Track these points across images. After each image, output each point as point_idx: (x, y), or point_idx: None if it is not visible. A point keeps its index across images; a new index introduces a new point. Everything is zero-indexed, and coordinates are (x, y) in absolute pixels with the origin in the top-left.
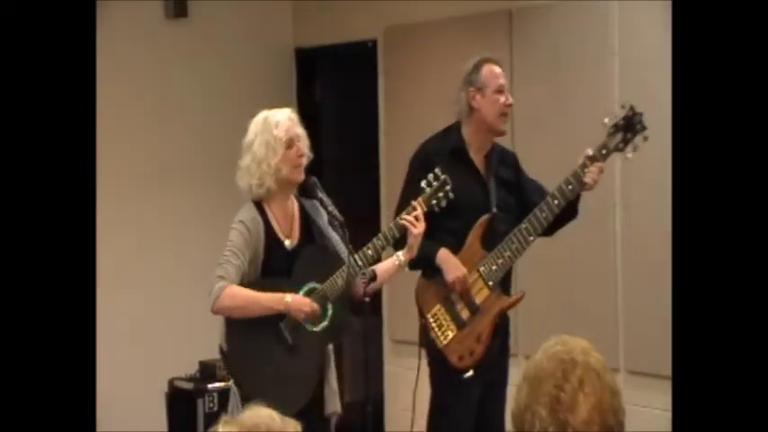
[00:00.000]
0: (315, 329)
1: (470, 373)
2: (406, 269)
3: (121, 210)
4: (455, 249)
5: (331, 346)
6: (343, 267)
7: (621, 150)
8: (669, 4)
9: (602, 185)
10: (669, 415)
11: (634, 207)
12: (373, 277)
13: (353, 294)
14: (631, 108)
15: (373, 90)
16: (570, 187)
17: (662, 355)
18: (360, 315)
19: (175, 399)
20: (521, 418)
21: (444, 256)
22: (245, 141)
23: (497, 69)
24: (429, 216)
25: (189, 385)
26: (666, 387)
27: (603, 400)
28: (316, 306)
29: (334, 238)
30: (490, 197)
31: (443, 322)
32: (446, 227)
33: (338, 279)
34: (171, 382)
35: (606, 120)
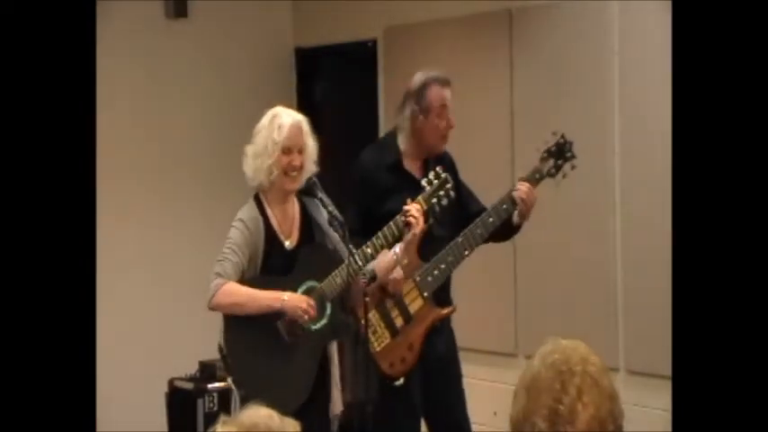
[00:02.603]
0: (313, 328)
1: (401, 380)
2: (405, 261)
3: (122, 209)
4: None
5: (335, 346)
6: (342, 266)
7: (553, 176)
8: (669, 4)
9: (602, 185)
10: (669, 415)
11: (634, 207)
12: (374, 277)
13: (352, 303)
14: (562, 136)
15: (373, 90)
16: (505, 207)
17: (662, 355)
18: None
19: (175, 399)
20: (519, 428)
21: (382, 256)
22: (255, 127)
23: (444, 92)
24: (375, 225)
25: (189, 385)
26: (666, 387)
27: (602, 408)
28: (312, 303)
29: (335, 237)
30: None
31: (378, 329)
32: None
33: (337, 278)
34: (171, 382)
35: (539, 146)
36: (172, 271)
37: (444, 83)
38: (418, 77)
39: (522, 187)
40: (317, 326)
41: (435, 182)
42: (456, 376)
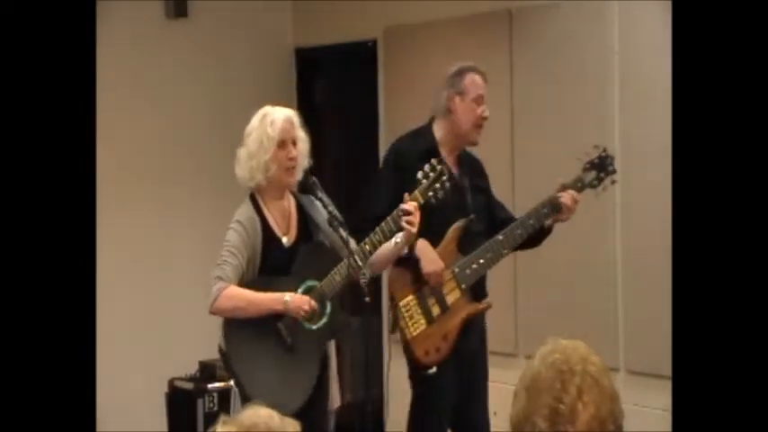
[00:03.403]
0: (313, 328)
1: (434, 369)
2: (405, 251)
3: (121, 209)
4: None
5: (333, 343)
6: (341, 264)
7: (595, 187)
8: (669, 4)
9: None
10: (669, 415)
11: (634, 207)
12: (373, 277)
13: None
14: (604, 150)
15: (373, 90)
16: (545, 211)
17: (662, 355)
18: (359, 314)
19: (175, 399)
20: (519, 428)
21: (423, 247)
22: (245, 130)
23: (480, 80)
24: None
25: (189, 385)
26: (666, 387)
27: (602, 408)
28: (314, 304)
29: (332, 233)
30: (466, 198)
31: (414, 314)
32: (424, 224)
33: (336, 276)
34: (171, 382)
35: (581, 156)
36: (172, 271)
37: (481, 73)
38: (452, 67)
39: (568, 195)
40: (318, 325)
41: (431, 174)
42: (484, 376)
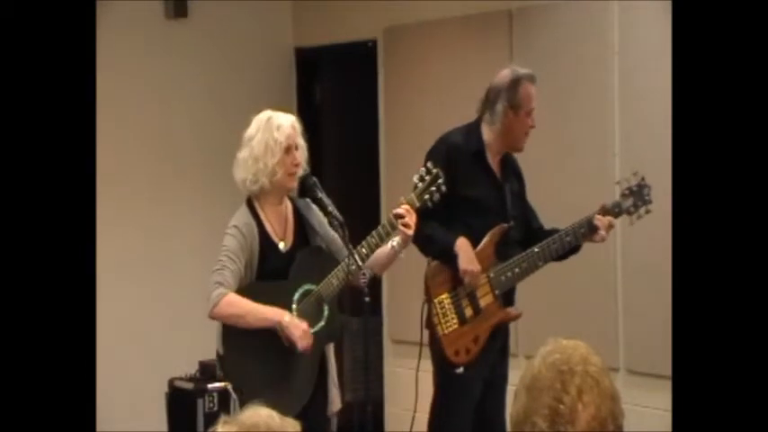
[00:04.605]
0: (312, 331)
1: (461, 369)
2: (402, 255)
3: (122, 209)
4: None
5: (331, 345)
6: (339, 267)
7: (631, 214)
8: (669, 4)
9: (602, 186)
10: (669, 415)
11: None
12: (373, 276)
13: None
14: (643, 178)
15: (373, 90)
16: (582, 231)
17: (662, 355)
18: (359, 314)
19: (175, 399)
20: (519, 427)
21: (463, 245)
22: (245, 135)
23: (533, 90)
24: (450, 210)
25: (189, 385)
26: (666, 387)
27: (602, 408)
28: (310, 336)
29: (328, 237)
30: (506, 204)
31: (448, 312)
32: (464, 223)
33: (333, 279)
34: (171, 382)
35: (619, 181)
36: (172, 271)
37: (534, 80)
38: (507, 73)
39: (605, 219)
40: (315, 329)
41: (427, 177)
42: (504, 377)
